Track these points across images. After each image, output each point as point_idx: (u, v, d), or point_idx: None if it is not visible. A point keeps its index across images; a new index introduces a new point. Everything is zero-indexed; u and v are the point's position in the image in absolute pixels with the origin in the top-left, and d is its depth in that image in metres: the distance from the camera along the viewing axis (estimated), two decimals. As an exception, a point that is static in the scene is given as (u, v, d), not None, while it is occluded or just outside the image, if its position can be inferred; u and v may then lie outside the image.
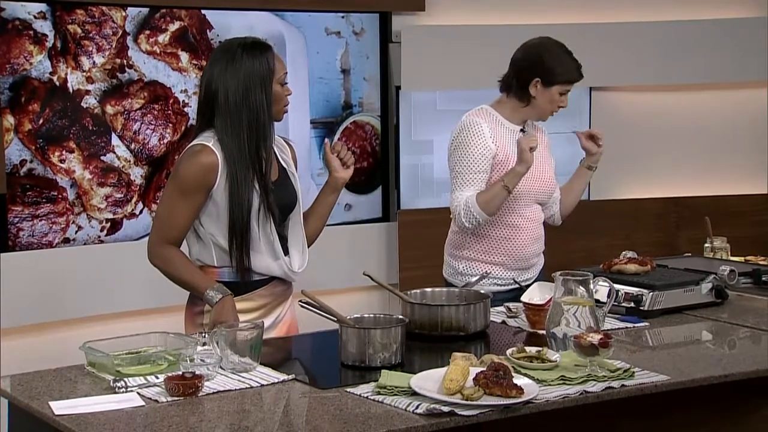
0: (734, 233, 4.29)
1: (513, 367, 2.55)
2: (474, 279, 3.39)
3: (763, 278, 3.61)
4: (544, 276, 3.64)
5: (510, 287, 3.61)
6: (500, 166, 3.53)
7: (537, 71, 3.55)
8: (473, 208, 3.46)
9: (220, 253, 3.04)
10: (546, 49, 3.58)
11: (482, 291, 3.26)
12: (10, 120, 4.40)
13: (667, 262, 3.69)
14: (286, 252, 3.11)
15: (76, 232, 4.60)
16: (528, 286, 3.56)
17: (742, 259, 3.95)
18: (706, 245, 4.15)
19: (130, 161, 4.69)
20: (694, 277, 3.42)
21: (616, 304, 3.13)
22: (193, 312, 3.10)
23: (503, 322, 3.23)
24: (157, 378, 2.56)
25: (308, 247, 3.19)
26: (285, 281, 3.16)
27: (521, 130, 3.65)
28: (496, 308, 3.28)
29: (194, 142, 3.03)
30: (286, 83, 3.08)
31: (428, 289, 3.24)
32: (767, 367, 2.76)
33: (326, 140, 3.33)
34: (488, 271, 3.55)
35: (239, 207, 2.97)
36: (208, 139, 3.00)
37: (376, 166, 5.32)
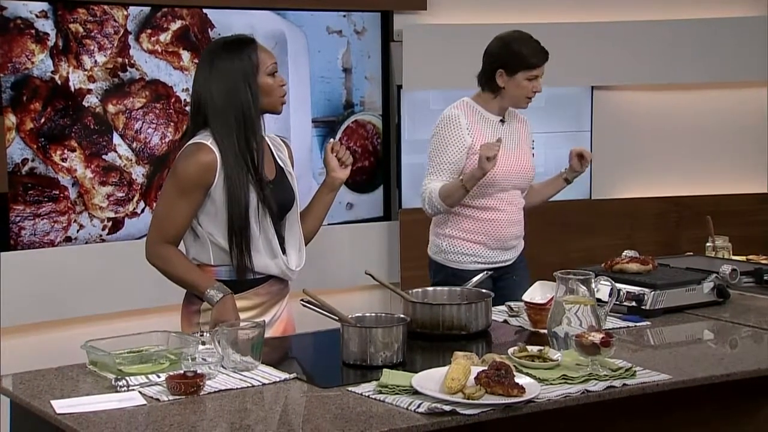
0: (734, 233, 4.29)
1: (514, 366, 2.55)
2: (475, 279, 3.39)
3: (765, 277, 3.60)
4: (538, 272, 3.65)
5: (489, 265, 3.71)
6: (477, 156, 3.60)
7: (499, 62, 3.71)
8: (435, 200, 3.66)
9: (217, 251, 3.03)
10: (506, 41, 3.73)
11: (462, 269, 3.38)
12: (11, 119, 4.40)
13: (668, 261, 3.68)
14: (283, 251, 3.10)
15: (78, 231, 4.59)
16: (505, 267, 3.73)
17: (743, 258, 3.95)
18: (708, 244, 4.14)
19: (131, 160, 4.69)
20: (695, 277, 3.42)
21: (617, 303, 3.13)
22: (189, 311, 3.09)
23: (505, 321, 3.23)
24: (159, 377, 2.56)
25: (305, 246, 3.20)
26: (282, 280, 3.14)
27: (501, 121, 3.79)
28: (497, 307, 3.28)
29: (192, 140, 3.02)
30: (276, 72, 3.06)
31: (430, 288, 3.26)
32: (769, 367, 2.77)
33: (330, 140, 3.33)
34: (477, 257, 3.71)
35: (237, 205, 2.97)
36: (206, 138, 2.99)
37: (378, 165, 5.32)
